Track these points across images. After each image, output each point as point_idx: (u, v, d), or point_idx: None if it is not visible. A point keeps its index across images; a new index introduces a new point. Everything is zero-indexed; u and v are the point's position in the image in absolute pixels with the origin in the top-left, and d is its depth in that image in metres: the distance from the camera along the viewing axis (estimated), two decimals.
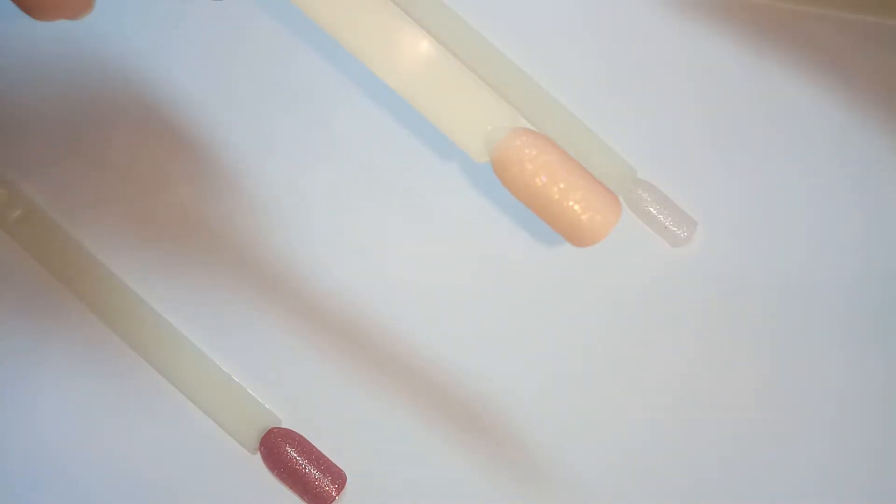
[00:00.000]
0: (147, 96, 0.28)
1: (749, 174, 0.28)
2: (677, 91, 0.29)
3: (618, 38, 0.30)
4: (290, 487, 0.24)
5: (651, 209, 0.27)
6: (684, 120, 0.29)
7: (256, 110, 0.28)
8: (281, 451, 0.24)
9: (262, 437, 0.24)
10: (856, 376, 0.26)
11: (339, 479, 0.24)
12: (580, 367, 0.26)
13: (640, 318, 0.26)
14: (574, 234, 0.16)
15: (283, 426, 0.24)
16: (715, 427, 0.25)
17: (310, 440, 0.24)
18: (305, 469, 0.23)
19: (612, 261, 0.27)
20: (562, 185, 0.15)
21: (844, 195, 0.28)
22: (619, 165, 0.28)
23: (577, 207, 0.15)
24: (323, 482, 0.23)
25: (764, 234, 0.27)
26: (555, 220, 0.16)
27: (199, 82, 0.28)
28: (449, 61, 0.16)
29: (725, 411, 0.25)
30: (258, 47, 0.28)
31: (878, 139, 0.29)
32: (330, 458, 0.24)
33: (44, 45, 0.28)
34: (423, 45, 0.16)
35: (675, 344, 0.26)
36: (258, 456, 0.24)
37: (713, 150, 0.28)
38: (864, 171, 0.28)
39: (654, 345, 0.26)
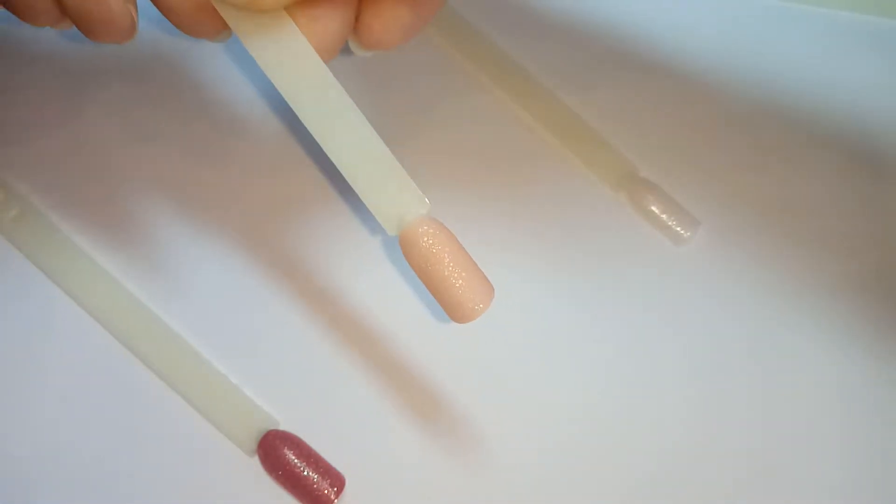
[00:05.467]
0: (146, 96, 0.28)
1: (751, 173, 0.28)
2: (679, 90, 0.29)
3: (619, 37, 0.30)
4: (289, 490, 0.23)
5: (654, 208, 0.27)
6: (687, 119, 0.29)
7: (257, 111, 0.28)
8: (279, 453, 0.23)
9: (260, 440, 0.24)
10: (857, 377, 0.26)
11: (337, 481, 0.23)
12: (579, 365, 0.25)
13: (642, 316, 0.26)
14: (450, 311, 0.19)
15: (281, 428, 0.24)
16: (716, 427, 0.25)
17: (308, 443, 0.24)
18: (304, 472, 0.23)
19: (615, 259, 0.27)
20: (446, 273, 0.19)
21: (846, 194, 0.28)
22: (621, 164, 0.28)
23: (455, 293, 0.19)
24: (321, 485, 0.23)
25: (766, 234, 0.27)
26: (438, 297, 0.19)
27: (201, 82, 0.28)
28: (384, 150, 0.19)
29: (726, 411, 0.25)
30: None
31: (879, 139, 0.29)
32: (328, 461, 0.24)
33: (42, 45, 0.28)
34: (365, 134, 0.19)
35: (677, 343, 0.26)
36: (256, 458, 0.24)
37: (716, 150, 0.28)
38: (865, 170, 0.28)
39: (656, 344, 0.26)
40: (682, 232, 0.27)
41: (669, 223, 0.27)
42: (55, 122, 0.27)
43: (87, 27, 0.20)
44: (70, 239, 0.26)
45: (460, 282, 0.19)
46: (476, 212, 0.27)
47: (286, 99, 0.19)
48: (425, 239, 0.19)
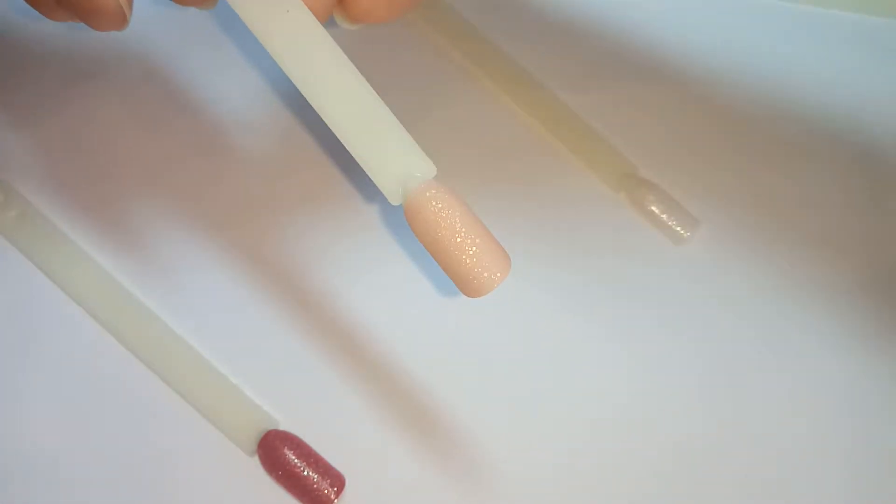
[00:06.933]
0: (147, 94, 0.28)
1: (751, 173, 0.28)
2: (679, 90, 0.29)
3: (620, 37, 0.30)
4: (289, 490, 0.23)
5: (653, 208, 0.27)
6: (687, 118, 0.29)
7: (255, 109, 0.28)
8: (279, 453, 0.23)
9: (260, 440, 0.24)
10: (857, 376, 0.26)
11: (337, 482, 0.23)
12: (579, 364, 0.25)
13: (642, 316, 0.26)
14: (463, 284, 0.18)
15: (281, 428, 0.24)
16: (715, 426, 0.25)
17: (308, 443, 0.24)
18: (304, 472, 0.23)
19: (615, 259, 0.27)
20: (458, 239, 0.17)
21: (845, 194, 0.28)
22: (621, 163, 0.28)
23: (469, 261, 0.17)
24: (321, 485, 0.23)
25: (766, 233, 0.27)
26: (449, 269, 0.18)
27: (200, 81, 0.28)
28: (384, 111, 0.18)
29: (726, 410, 0.25)
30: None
31: (879, 138, 0.29)
32: (328, 461, 0.24)
33: (42, 45, 0.28)
34: (363, 93, 0.18)
35: (677, 342, 0.26)
36: (256, 458, 0.24)
37: (715, 149, 0.28)
38: (865, 170, 0.28)
39: (656, 344, 0.26)
40: (681, 232, 0.27)
41: (669, 223, 0.27)
42: (56, 123, 0.27)
43: (77, 12, 0.20)
44: (70, 239, 0.26)
45: (474, 248, 0.17)
46: (476, 213, 0.27)
47: (270, 53, 0.18)
48: (434, 203, 0.17)
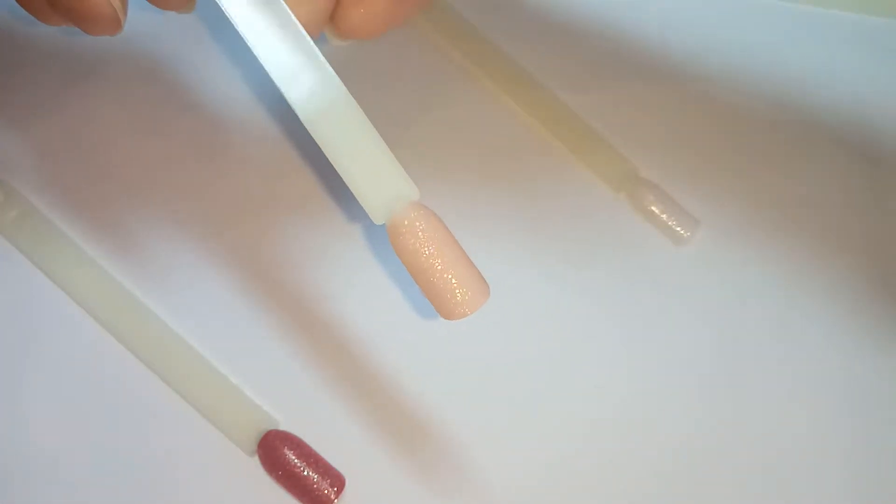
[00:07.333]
0: (146, 96, 0.28)
1: (751, 173, 0.28)
2: (679, 90, 0.29)
3: (620, 38, 0.30)
4: (289, 490, 0.23)
5: (653, 208, 0.27)
6: (687, 118, 0.29)
7: (254, 109, 0.28)
8: (279, 453, 0.23)
9: (260, 440, 0.24)
10: (857, 376, 0.26)
11: (337, 482, 0.23)
12: (578, 365, 0.25)
13: (642, 316, 0.26)
14: (441, 306, 0.18)
15: (281, 428, 0.24)
16: (715, 423, 0.25)
17: (308, 443, 0.24)
18: (304, 472, 0.23)
19: (615, 259, 0.27)
20: (441, 261, 0.18)
21: (845, 194, 0.28)
22: (621, 164, 0.28)
23: (454, 281, 0.18)
24: (321, 485, 0.23)
25: (766, 233, 0.27)
26: (427, 290, 0.18)
27: (200, 82, 0.28)
28: (370, 131, 0.18)
29: (727, 410, 0.25)
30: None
31: (880, 138, 0.29)
32: (328, 461, 0.24)
33: (42, 45, 0.28)
34: (351, 114, 0.18)
35: (677, 343, 0.26)
36: (256, 458, 0.24)
37: (716, 150, 0.28)
38: (864, 169, 0.28)
39: (656, 343, 0.26)
40: (682, 232, 0.27)
41: (669, 223, 0.27)
42: (55, 123, 0.27)
43: (72, 17, 0.20)
44: (70, 239, 0.26)
45: (454, 271, 0.18)
46: (475, 213, 0.27)
47: (264, 66, 0.18)
48: (417, 224, 0.18)
